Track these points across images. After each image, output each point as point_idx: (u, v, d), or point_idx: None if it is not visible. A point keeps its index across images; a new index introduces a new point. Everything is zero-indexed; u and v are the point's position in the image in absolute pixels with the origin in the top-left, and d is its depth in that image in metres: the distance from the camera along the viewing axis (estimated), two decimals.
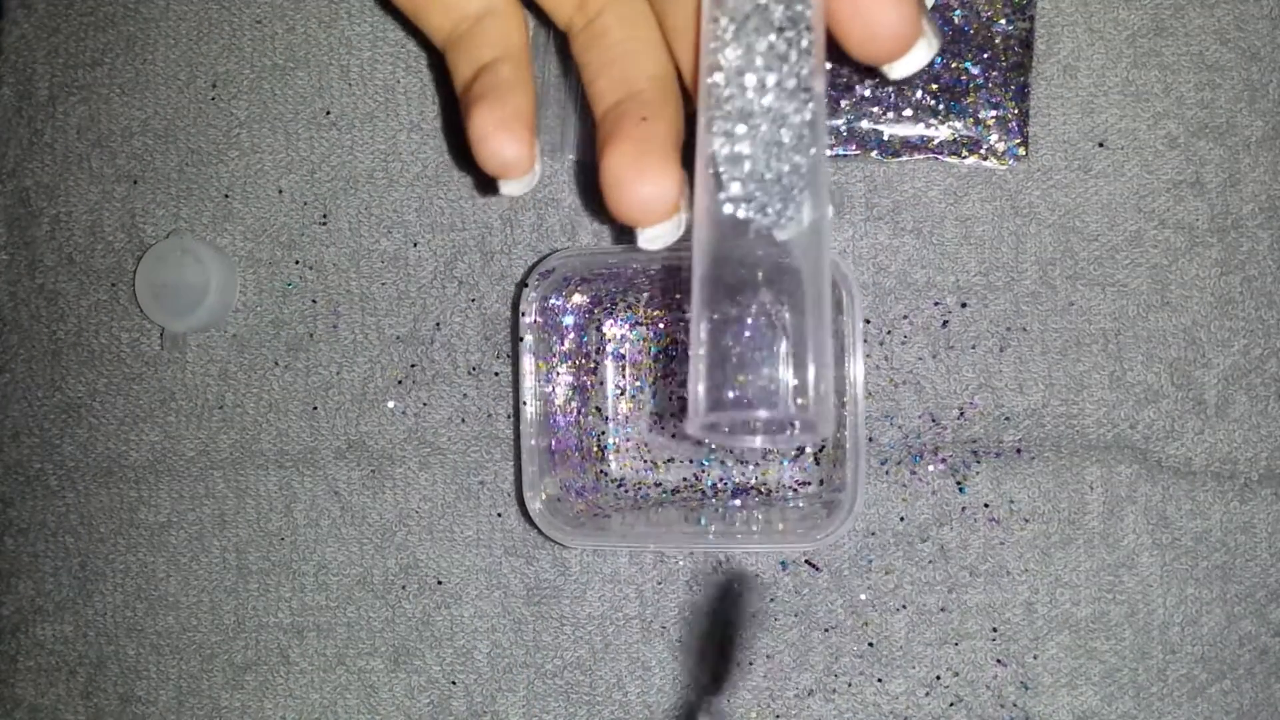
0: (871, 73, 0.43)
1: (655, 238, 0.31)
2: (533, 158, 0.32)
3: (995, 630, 0.43)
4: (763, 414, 0.28)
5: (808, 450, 0.44)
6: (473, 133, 0.31)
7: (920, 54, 0.29)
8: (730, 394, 0.28)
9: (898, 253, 0.44)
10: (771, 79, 0.28)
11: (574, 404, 0.44)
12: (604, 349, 0.44)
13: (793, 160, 0.28)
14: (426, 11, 0.34)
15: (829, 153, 0.43)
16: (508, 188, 0.33)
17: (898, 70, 0.29)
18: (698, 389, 0.29)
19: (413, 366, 0.45)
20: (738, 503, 0.43)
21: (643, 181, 0.30)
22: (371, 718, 0.45)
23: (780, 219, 0.28)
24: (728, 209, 0.29)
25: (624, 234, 0.44)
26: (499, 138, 0.31)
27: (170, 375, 0.46)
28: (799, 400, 0.28)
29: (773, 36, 0.28)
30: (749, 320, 0.28)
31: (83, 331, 0.47)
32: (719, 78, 0.29)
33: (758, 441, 0.31)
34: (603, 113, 0.32)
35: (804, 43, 0.28)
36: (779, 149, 0.28)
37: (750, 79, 0.28)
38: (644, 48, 0.32)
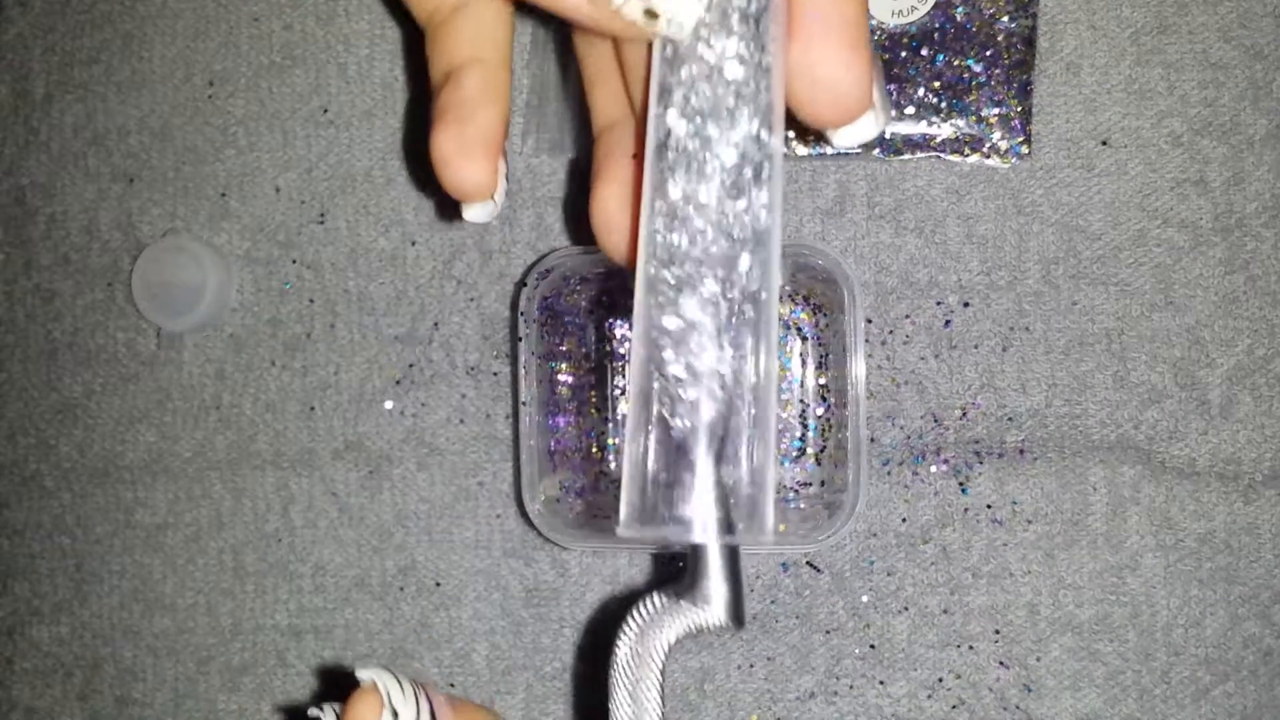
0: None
1: None
2: (494, 184, 0.30)
3: (998, 632, 0.42)
4: (684, 538, 0.27)
5: (808, 451, 0.43)
6: (434, 154, 0.30)
7: (867, 125, 0.27)
8: (651, 512, 0.27)
9: (900, 252, 0.43)
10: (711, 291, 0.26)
11: (574, 404, 0.43)
12: (604, 349, 0.44)
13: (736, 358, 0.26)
14: None
15: (830, 150, 0.43)
16: (470, 213, 0.32)
17: (841, 138, 0.28)
18: (622, 500, 0.27)
19: (411, 366, 0.45)
20: None
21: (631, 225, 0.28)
22: None
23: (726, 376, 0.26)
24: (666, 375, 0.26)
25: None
26: (459, 163, 0.29)
27: (167, 375, 0.46)
28: (729, 509, 0.26)
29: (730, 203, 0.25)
30: (676, 430, 0.26)
31: (79, 331, 0.46)
32: (658, 263, 0.26)
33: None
34: (598, 130, 0.31)
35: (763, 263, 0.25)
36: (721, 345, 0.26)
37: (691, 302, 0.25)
38: (643, 58, 0.30)
